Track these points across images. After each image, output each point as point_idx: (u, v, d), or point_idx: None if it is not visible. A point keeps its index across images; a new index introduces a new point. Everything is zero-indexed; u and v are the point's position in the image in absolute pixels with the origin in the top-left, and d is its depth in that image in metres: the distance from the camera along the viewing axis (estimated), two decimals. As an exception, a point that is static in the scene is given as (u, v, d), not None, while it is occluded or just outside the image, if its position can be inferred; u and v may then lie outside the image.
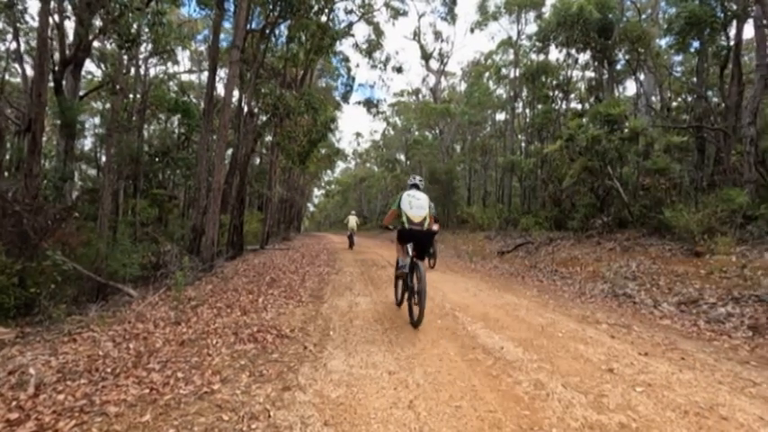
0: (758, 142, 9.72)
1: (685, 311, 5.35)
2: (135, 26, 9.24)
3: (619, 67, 16.56)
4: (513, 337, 4.12)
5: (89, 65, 20.07)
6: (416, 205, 4.69)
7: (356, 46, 24.24)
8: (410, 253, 4.68)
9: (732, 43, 11.82)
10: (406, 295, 4.78)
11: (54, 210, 7.70)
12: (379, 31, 22.79)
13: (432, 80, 32.62)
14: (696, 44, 13.26)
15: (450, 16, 27.74)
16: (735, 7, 11.34)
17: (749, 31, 14.76)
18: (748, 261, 6.36)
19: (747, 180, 9.15)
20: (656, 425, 2.37)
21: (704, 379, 3.07)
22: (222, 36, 15.89)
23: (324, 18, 14.56)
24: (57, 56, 11.02)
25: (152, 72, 20.57)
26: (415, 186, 4.97)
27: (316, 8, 13.54)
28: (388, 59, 28.64)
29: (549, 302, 6.10)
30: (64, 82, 11.15)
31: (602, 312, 5.45)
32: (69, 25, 12.26)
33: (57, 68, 10.60)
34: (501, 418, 2.45)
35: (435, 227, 5.72)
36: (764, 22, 8.82)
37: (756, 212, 7.80)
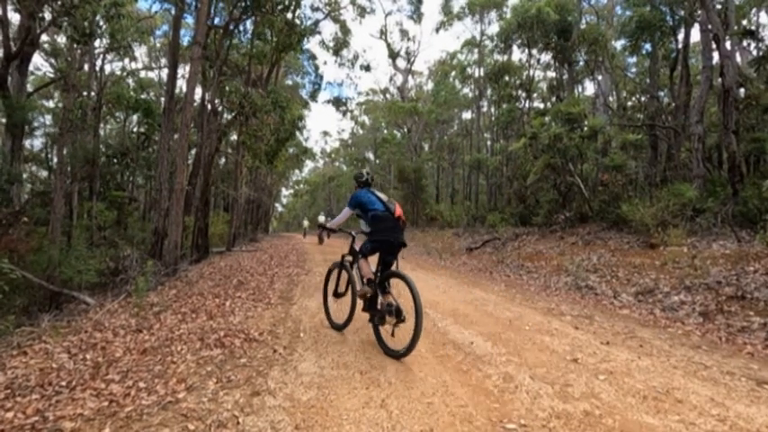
0: (704, 139, 10.34)
1: (642, 301, 5.62)
2: (90, 18, 8.73)
3: (578, 67, 17.19)
4: (482, 331, 4.19)
5: (39, 59, 18.89)
6: (318, 218, 20.45)
7: (323, 44, 23.95)
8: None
9: (680, 46, 12.53)
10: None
11: (0, 214, 7.20)
12: (346, 30, 22.63)
13: (399, 79, 32.74)
14: (648, 47, 13.98)
15: (417, 15, 27.96)
16: (682, 12, 12.02)
17: (696, 35, 15.69)
18: (698, 251, 6.76)
19: (696, 175, 9.72)
20: (617, 411, 2.48)
21: (660, 365, 3.24)
22: (183, 32, 15.42)
23: (290, 15, 14.31)
24: (0, 50, 10.29)
25: (108, 68, 19.61)
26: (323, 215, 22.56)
27: (281, 6, 13.28)
28: (355, 57, 28.64)
29: (515, 296, 6.26)
30: (9, 78, 10.44)
31: (566, 304, 5.65)
32: (14, 16, 11.50)
33: (0, 64, 9.91)
34: (472, 413, 2.49)
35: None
36: (709, 26, 9.37)
37: (704, 205, 8.30)
